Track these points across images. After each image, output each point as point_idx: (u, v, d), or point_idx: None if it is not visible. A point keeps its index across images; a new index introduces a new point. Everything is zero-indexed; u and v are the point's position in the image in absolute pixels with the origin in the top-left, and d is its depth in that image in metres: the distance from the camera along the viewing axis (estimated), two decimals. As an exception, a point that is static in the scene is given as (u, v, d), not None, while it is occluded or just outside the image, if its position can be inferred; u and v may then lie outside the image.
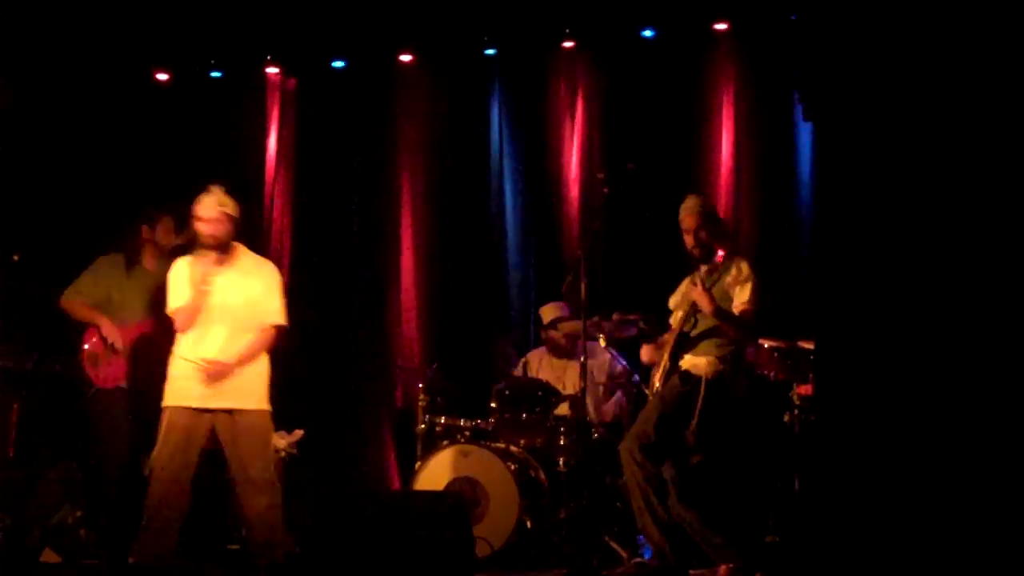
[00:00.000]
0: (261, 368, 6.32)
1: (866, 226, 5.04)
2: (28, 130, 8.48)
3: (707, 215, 6.17)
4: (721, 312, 5.91)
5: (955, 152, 4.87)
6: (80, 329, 7.04)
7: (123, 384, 6.92)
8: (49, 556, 6.76)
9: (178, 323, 6.27)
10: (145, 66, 8.95)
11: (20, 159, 8.39)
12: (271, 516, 6.13)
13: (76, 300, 7.02)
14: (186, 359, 6.19)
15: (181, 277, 6.33)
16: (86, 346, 6.98)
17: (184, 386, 6.19)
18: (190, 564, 6.53)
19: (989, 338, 4.70)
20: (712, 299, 5.90)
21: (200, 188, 8.36)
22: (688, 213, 6.17)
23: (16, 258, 6.72)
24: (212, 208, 6.28)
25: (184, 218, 6.65)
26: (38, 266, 7.47)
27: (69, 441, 7.46)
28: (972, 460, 4.62)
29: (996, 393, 4.66)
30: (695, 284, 5.96)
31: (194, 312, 6.24)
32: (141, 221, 7.13)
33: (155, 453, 6.15)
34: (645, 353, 6.38)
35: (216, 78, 9.05)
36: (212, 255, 6.27)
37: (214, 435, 6.20)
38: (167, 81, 9.04)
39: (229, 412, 6.19)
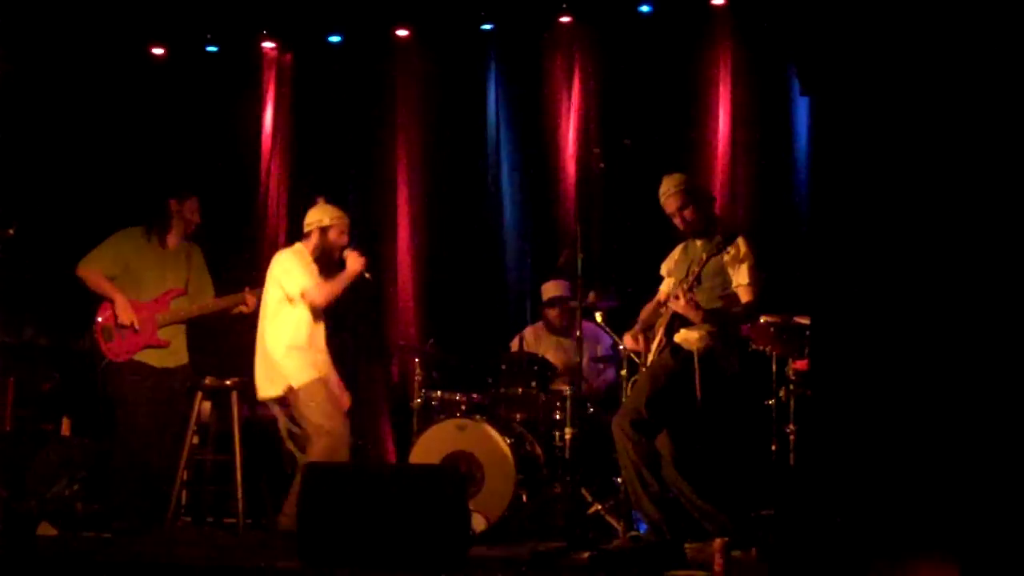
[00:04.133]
0: None
1: (863, 202, 5.04)
2: (23, 106, 8.47)
3: (687, 193, 6.02)
4: (710, 316, 5.82)
5: (952, 129, 4.87)
6: (93, 301, 7.05)
7: (136, 357, 6.95)
8: (46, 529, 6.77)
9: (316, 297, 6.76)
10: (141, 41, 8.93)
11: (15, 134, 8.38)
12: None
13: (94, 270, 7.02)
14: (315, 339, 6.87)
15: (298, 264, 6.84)
16: (99, 318, 6.99)
17: (322, 360, 6.88)
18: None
19: (984, 313, 4.71)
20: (698, 309, 5.76)
21: (196, 162, 8.45)
22: (667, 197, 6.05)
23: (11, 232, 6.70)
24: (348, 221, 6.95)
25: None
26: (34, 240, 7.46)
27: (84, 414, 7.51)
28: (966, 434, 4.64)
29: (989, 370, 4.67)
30: (677, 297, 5.81)
31: (332, 297, 6.83)
32: (169, 196, 7.15)
33: (329, 416, 6.63)
34: (628, 340, 6.34)
35: (212, 53, 9.03)
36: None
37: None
38: (162, 56, 9.03)
39: None
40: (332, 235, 6.85)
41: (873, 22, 4.95)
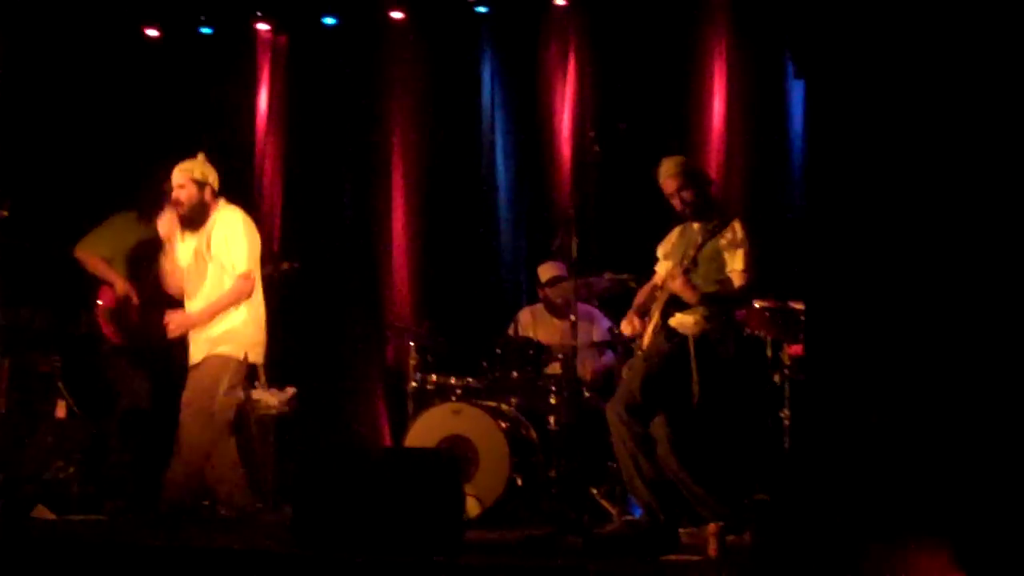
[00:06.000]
0: (237, 318, 6.50)
1: (857, 186, 5.04)
2: (17, 86, 8.45)
3: (686, 174, 6.00)
4: (707, 298, 5.82)
5: (946, 112, 4.87)
6: (92, 283, 7.06)
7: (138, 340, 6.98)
8: (41, 512, 6.77)
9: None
10: (135, 22, 8.91)
11: (9, 115, 8.37)
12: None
13: (91, 252, 7.06)
14: None
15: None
16: (100, 302, 7.00)
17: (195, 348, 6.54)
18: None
19: (979, 299, 4.71)
20: (695, 289, 5.77)
21: (190, 145, 8.42)
22: (666, 177, 6.03)
23: (5, 213, 6.71)
24: (178, 175, 6.51)
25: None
26: (30, 221, 7.46)
27: (81, 396, 7.51)
28: (959, 420, 4.65)
29: (983, 356, 4.68)
30: (675, 277, 5.84)
31: (166, 274, 6.59)
32: (160, 177, 7.15)
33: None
34: (626, 325, 6.34)
35: (206, 34, 9.01)
36: (177, 219, 6.54)
37: None
38: (157, 37, 9.00)
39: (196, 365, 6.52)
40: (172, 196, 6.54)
41: (867, 5, 4.94)
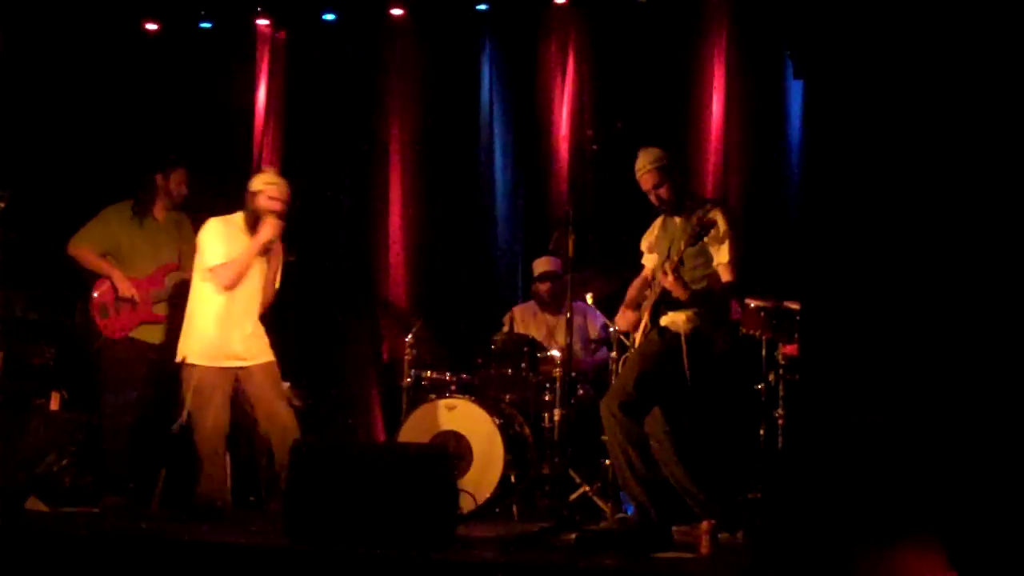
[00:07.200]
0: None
1: (854, 187, 5.04)
2: (16, 79, 8.45)
3: (661, 170, 5.96)
4: (696, 296, 5.81)
5: (944, 114, 4.87)
6: (87, 277, 7.05)
7: (132, 334, 6.96)
8: (34, 504, 6.77)
9: (222, 279, 6.51)
10: (135, 15, 8.90)
11: (7, 107, 8.37)
12: None
13: (84, 247, 7.02)
14: (219, 318, 6.54)
15: (218, 236, 6.58)
16: (95, 295, 6.99)
17: (226, 347, 6.56)
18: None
19: (974, 300, 4.72)
20: (685, 286, 5.75)
21: (188, 139, 8.43)
22: (643, 174, 6.00)
23: (3, 204, 6.70)
24: (285, 189, 6.65)
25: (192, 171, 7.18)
26: (27, 214, 7.44)
27: (76, 389, 7.51)
28: (953, 421, 4.65)
29: (978, 357, 4.68)
30: (665, 273, 5.83)
31: (241, 272, 6.53)
32: (154, 170, 7.14)
33: (198, 408, 6.48)
34: (620, 320, 6.33)
35: (206, 29, 9.01)
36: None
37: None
38: (156, 31, 9.00)
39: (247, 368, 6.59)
40: (260, 201, 6.57)
41: (867, 6, 4.95)
